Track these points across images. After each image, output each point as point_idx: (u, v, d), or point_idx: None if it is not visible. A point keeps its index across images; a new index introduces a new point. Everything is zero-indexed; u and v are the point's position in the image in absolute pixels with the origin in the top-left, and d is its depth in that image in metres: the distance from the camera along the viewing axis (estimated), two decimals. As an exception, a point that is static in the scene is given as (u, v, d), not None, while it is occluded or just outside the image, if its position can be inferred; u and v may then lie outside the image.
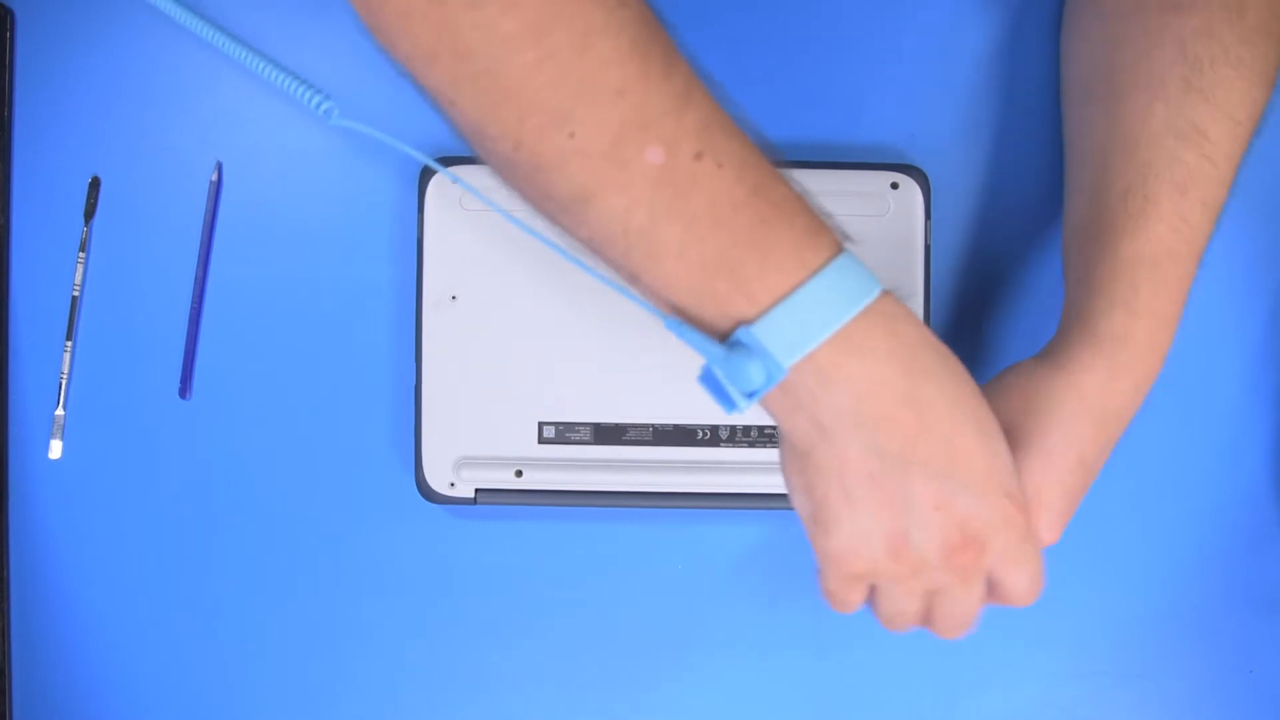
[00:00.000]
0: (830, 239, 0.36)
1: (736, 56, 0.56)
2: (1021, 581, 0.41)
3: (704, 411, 0.54)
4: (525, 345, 0.54)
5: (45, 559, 0.58)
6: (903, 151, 0.56)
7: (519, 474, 0.54)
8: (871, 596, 0.43)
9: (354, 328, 0.57)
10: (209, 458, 0.57)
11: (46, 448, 0.57)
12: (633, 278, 0.37)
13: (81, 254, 0.57)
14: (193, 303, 0.57)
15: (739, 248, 0.35)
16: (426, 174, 0.54)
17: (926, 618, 0.43)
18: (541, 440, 0.54)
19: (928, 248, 0.54)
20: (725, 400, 0.37)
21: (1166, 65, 0.46)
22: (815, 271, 0.35)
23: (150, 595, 0.58)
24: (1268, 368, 0.57)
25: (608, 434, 0.54)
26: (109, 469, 0.57)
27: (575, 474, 0.54)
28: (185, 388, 0.57)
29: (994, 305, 0.57)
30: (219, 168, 0.57)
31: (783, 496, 0.54)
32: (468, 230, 0.54)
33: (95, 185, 0.57)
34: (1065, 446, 0.43)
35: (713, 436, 0.54)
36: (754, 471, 0.54)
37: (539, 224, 0.39)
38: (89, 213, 0.57)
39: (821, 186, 0.52)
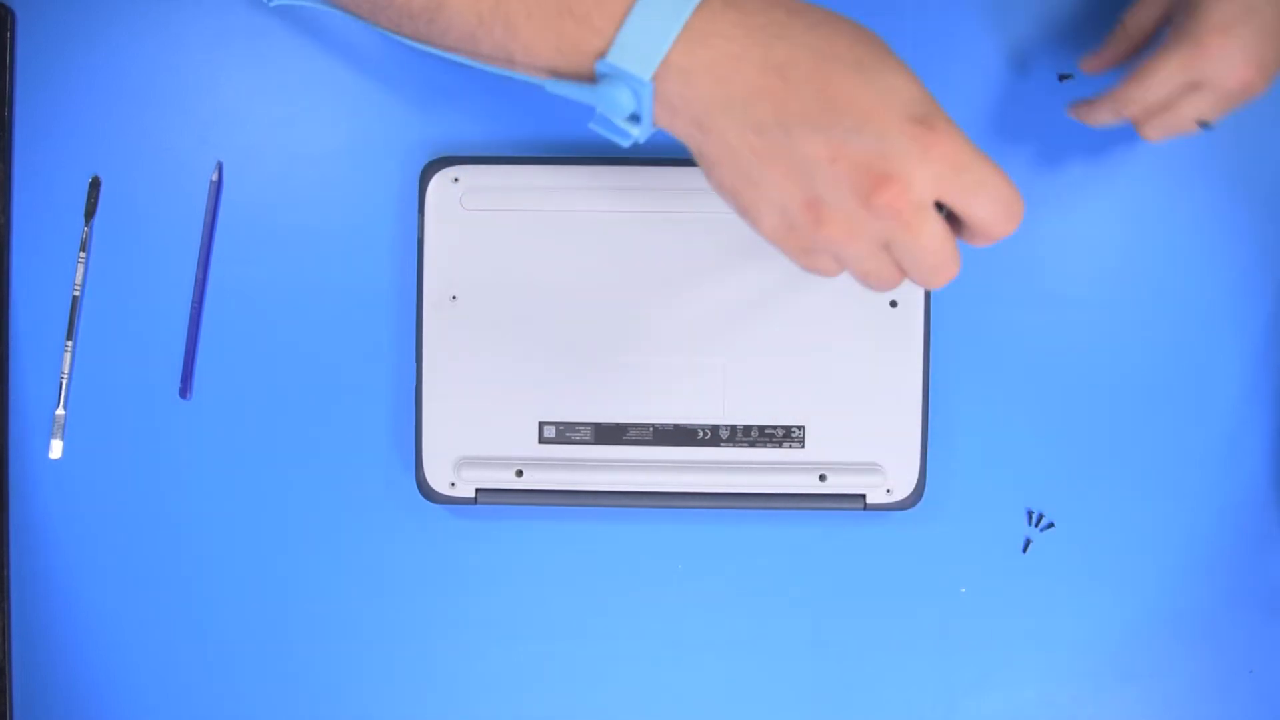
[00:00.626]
0: None
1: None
2: (983, 208, 0.38)
3: (704, 411, 0.54)
4: (525, 345, 0.54)
5: (45, 559, 0.58)
6: None
7: (519, 474, 0.54)
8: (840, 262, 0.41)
9: (354, 328, 0.57)
10: (209, 458, 0.57)
11: (47, 447, 0.57)
12: (509, 60, 0.40)
13: (81, 254, 0.57)
14: (193, 303, 0.57)
15: None
16: (427, 173, 0.54)
17: (903, 271, 0.41)
18: (542, 440, 0.54)
19: None
20: (617, 132, 0.40)
21: None
22: None
23: (150, 595, 0.58)
24: (1268, 368, 0.57)
25: (608, 434, 0.54)
26: (109, 469, 0.57)
27: (575, 474, 0.54)
28: (185, 388, 0.57)
29: (996, 302, 0.57)
30: (219, 168, 0.57)
31: (783, 496, 0.54)
32: (468, 230, 0.54)
33: (95, 185, 0.57)
34: None
35: (713, 436, 0.54)
36: (754, 471, 0.54)
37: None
38: (89, 213, 0.57)
39: None
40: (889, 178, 0.36)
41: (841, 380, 0.54)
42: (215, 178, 0.57)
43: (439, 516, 0.57)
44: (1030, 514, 0.57)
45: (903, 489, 0.54)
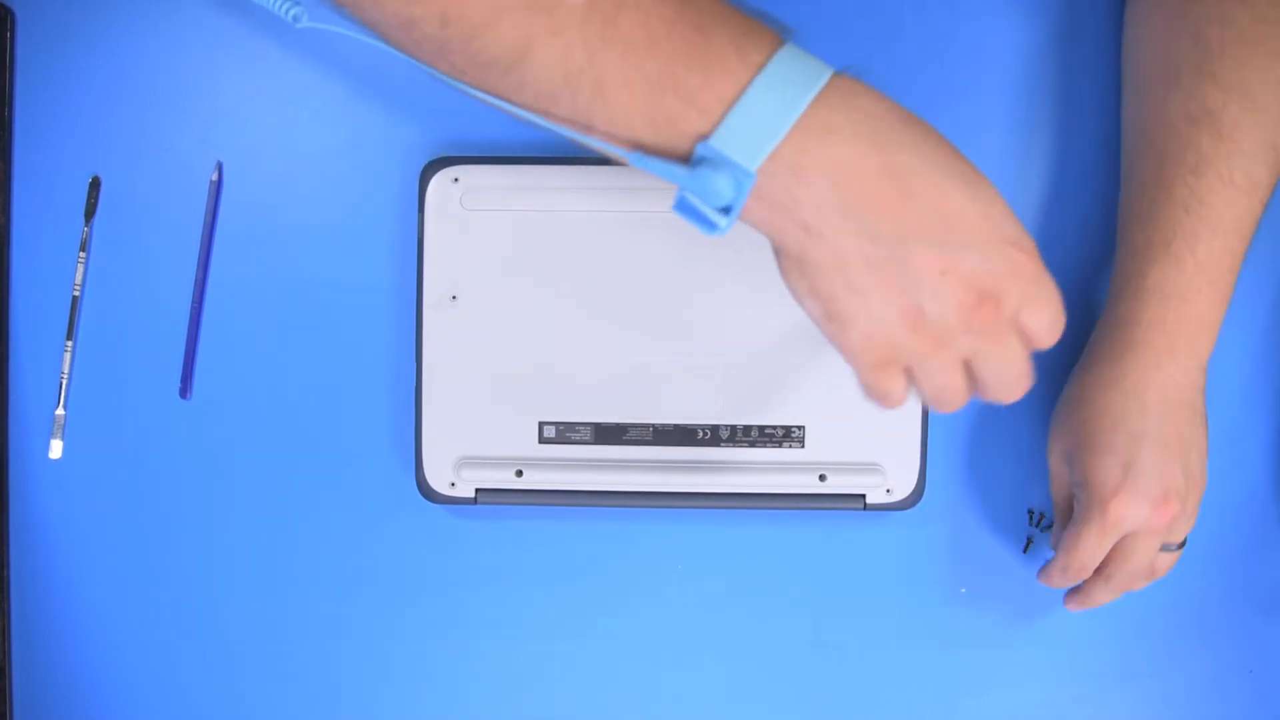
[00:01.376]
0: (768, 35, 0.36)
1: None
2: (1044, 322, 0.39)
3: (704, 411, 0.54)
4: (525, 345, 0.54)
5: (45, 559, 0.58)
6: None
7: (519, 474, 0.54)
8: (912, 381, 0.41)
9: (354, 328, 0.57)
10: (209, 458, 0.57)
11: (47, 447, 0.57)
12: (588, 125, 0.36)
13: (81, 254, 0.57)
14: (193, 303, 0.57)
15: (679, 62, 0.34)
16: (427, 173, 0.54)
17: (975, 387, 0.41)
18: (542, 440, 0.54)
19: None
20: (703, 222, 0.37)
21: (1181, 54, 0.49)
22: (760, 68, 0.34)
23: (150, 595, 0.58)
24: (1268, 368, 0.57)
25: (608, 434, 0.54)
26: (109, 469, 0.57)
27: (575, 474, 0.54)
28: (185, 388, 0.57)
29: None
30: (219, 168, 0.57)
31: (783, 496, 0.54)
32: (468, 230, 0.54)
33: (95, 185, 0.57)
34: (1109, 434, 0.49)
35: (713, 436, 0.54)
36: (754, 471, 0.54)
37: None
38: (89, 213, 0.57)
39: None
40: (990, 295, 0.37)
41: (841, 380, 0.53)
42: (215, 178, 0.57)
43: (439, 516, 0.57)
44: (1030, 514, 0.57)
45: (903, 489, 0.54)
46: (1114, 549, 0.51)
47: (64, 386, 0.57)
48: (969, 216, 0.37)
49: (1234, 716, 0.58)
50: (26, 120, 0.57)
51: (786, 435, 0.54)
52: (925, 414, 0.54)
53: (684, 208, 0.37)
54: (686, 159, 0.36)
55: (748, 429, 0.54)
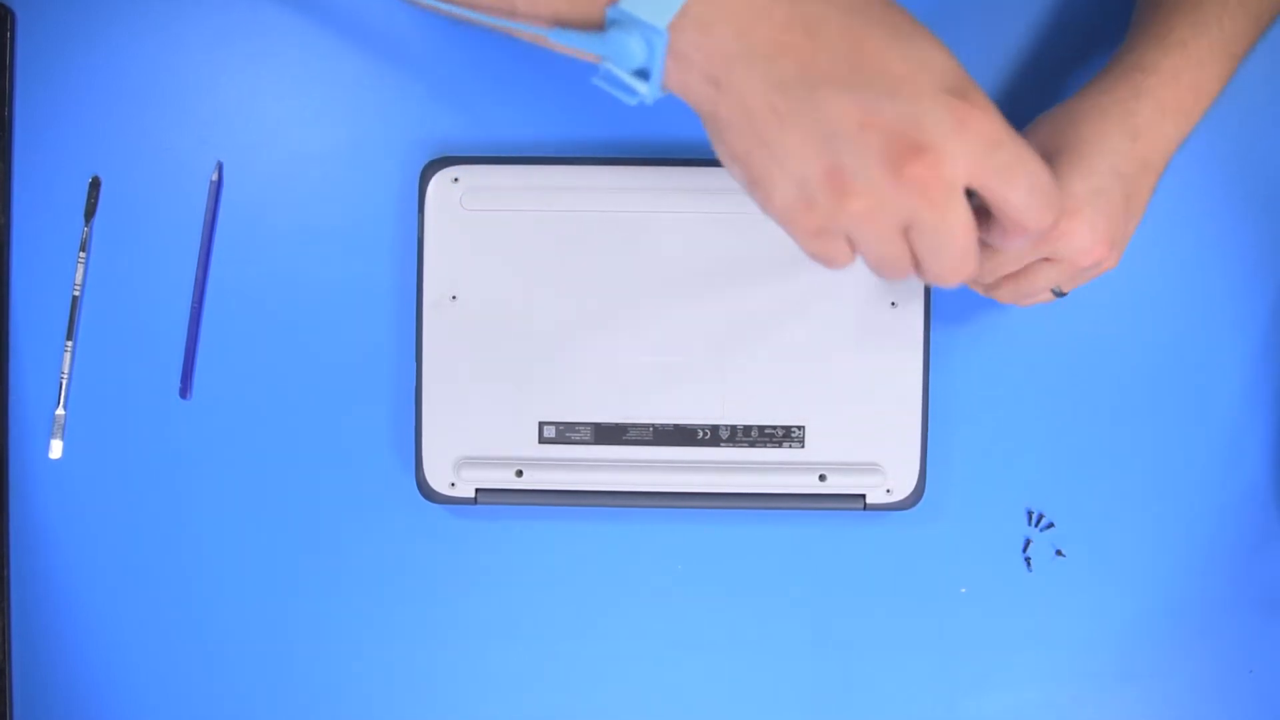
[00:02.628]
0: None
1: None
2: (1019, 192, 0.35)
3: (704, 411, 0.54)
4: (525, 345, 0.54)
5: (45, 559, 0.58)
6: None
7: (519, 474, 0.54)
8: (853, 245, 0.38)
9: (354, 328, 0.57)
10: (209, 458, 0.57)
11: (47, 447, 0.57)
12: (510, 8, 0.36)
13: (81, 254, 0.57)
14: (193, 303, 0.57)
15: None
16: (427, 173, 0.54)
17: (917, 261, 0.37)
18: (542, 440, 0.54)
19: None
20: (623, 88, 0.36)
21: None
22: None
23: (150, 595, 0.58)
24: (1268, 368, 0.57)
25: (608, 434, 0.54)
26: (109, 469, 0.57)
27: (575, 474, 0.54)
28: (185, 388, 0.57)
29: (995, 302, 0.57)
30: (219, 168, 0.57)
31: (783, 496, 0.54)
32: (468, 230, 0.54)
33: (95, 185, 0.57)
34: (1094, 154, 0.44)
35: (713, 436, 0.54)
36: (754, 471, 0.54)
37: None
38: (89, 213, 0.57)
39: None
40: (923, 148, 0.34)
41: (841, 380, 0.54)
42: (215, 178, 0.57)
43: (439, 516, 0.57)
44: (1030, 514, 0.57)
45: (903, 489, 0.54)
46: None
47: (64, 386, 0.57)
48: (892, 61, 0.34)
49: (1234, 716, 0.58)
50: (26, 120, 0.57)
51: (786, 435, 0.54)
52: (925, 414, 0.54)
53: (606, 78, 0.36)
54: (601, 26, 0.35)
55: (748, 429, 0.54)
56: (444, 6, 0.37)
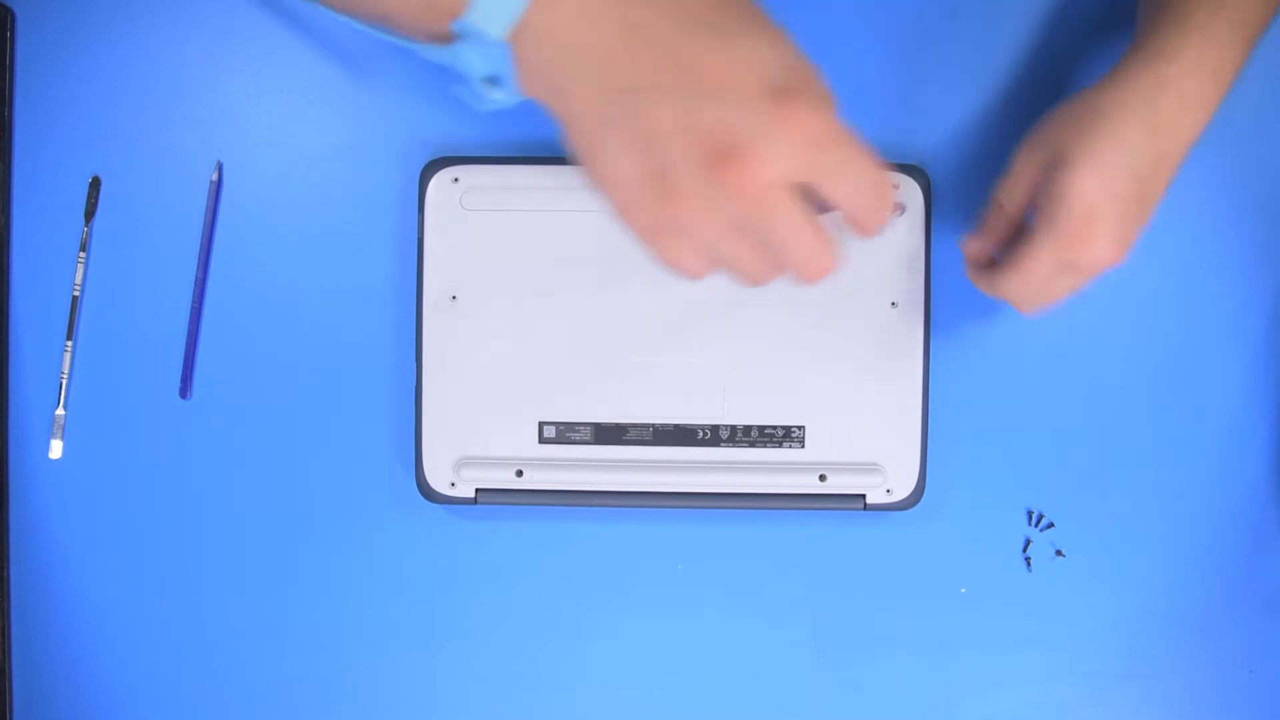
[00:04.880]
0: None
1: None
2: (845, 191, 0.35)
3: (704, 411, 0.54)
4: (525, 345, 0.54)
5: (45, 559, 0.58)
6: (903, 150, 0.56)
7: (519, 474, 0.54)
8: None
9: (354, 328, 0.57)
10: (209, 458, 0.57)
11: (47, 447, 0.57)
12: (385, 17, 0.37)
13: (81, 254, 0.57)
14: (193, 303, 0.57)
15: None
16: (427, 173, 0.54)
17: (771, 260, 0.38)
18: (542, 440, 0.54)
19: (928, 248, 0.54)
20: (474, 96, 0.37)
21: None
22: None
23: (150, 595, 0.58)
24: (1268, 368, 0.57)
25: (608, 434, 0.54)
26: (109, 469, 0.57)
27: (575, 474, 0.54)
28: (185, 388, 0.57)
29: (995, 302, 0.57)
30: (219, 168, 0.57)
31: (783, 496, 0.54)
32: (468, 230, 0.54)
33: (95, 185, 0.57)
34: (1114, 154, 0.43)
35: (713, 436, 0.54)
36: (754, 471, 0.54)
37: None
38: (89, 213, 0.57)
39: None
40: (736, 151, 0.33)
41: (841, 380, 0.54)
42: (215, 178, 0.57)
43: (439, 516, 0.57)
44: (1030, 514, 0.57)
45: (903, 489, 0.54)
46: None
47: (64, 386, 0.57)
48: (713, 64, 0.34)
49: (1234, 716, 0.58)
50: (26, 120, 0.57)
51: (786, 435, 0.54)
52: (925, 414, 0.54)
53: (464, 86, 0.37)
54: (451, 39, 0.36)
55: (748, 429, 0.54)
56: (344, 18, 0.39)
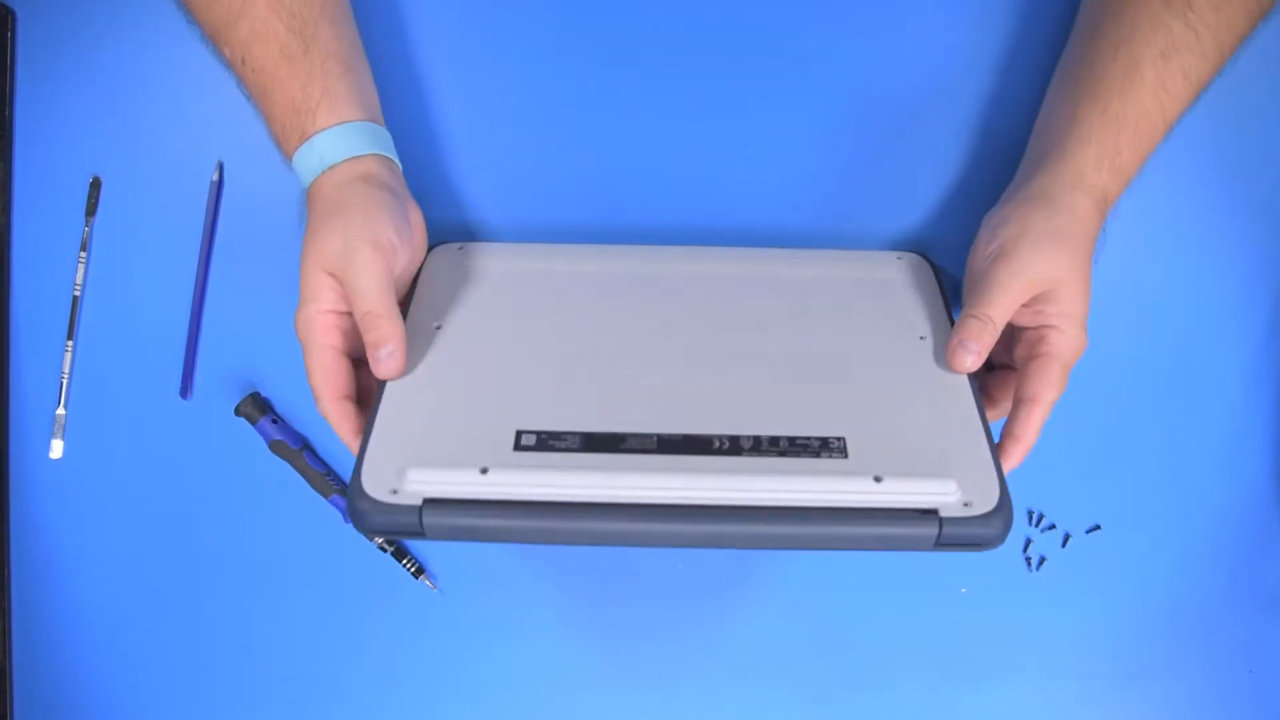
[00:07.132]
0: (358, 112, 0.50)
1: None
2: (379, 354, 0.47)
3: (720, 422, 0.46)
4: (507, 364, 0.49)
5: (45, 558, 0.58)
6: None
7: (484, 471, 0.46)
8: None
9: (354, 328, 0.57)
10: (209, 458, 0.57)
11: (47, 447, 0.57)
12: (268, 116, 0.51)
13: (82, 254, 0.57)
14: (193, 303, 0.57)
15: (289, 114, 0.50)
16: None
17: None
18: (518, 448, 0.48)
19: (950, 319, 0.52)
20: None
21: None
22: (324, 129, 0.49)
23: (150, 594, 0.58)
24: (1268, 368, 0.57)
25: (598, 441, 0.48)
26: (109, 469, 0.57)
27: (564, 489, 0.45)
28: (185, 388, 0.57)
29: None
30: (219, 168, 0.57)
31: (783, 504, 0.52)
32: (466, 278, 0.52)
33: (96, 185, 0.57)
34: (1082, 277, 0.48)
35: (733, 446, 0.46)
36: (791, 476, 0.48)
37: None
38: (90, 212, 0.57)
39: (831, 273, 0.53)
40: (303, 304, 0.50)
41: (880, 391, 0.48)
42: (215, 178, 0.57)
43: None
44: (1030, 514, 0.57)
45: (984, 501, 0.43)
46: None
47: (64, 386, 0.57)
48: (310, 238, 0.49)
49: (1234, 716, 0.58)
50: (26, 120, 0.57)
51: (824, 445, 0.46)
52: (985, 421, 0.47)
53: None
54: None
55: (775, 439, 0.46)
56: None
